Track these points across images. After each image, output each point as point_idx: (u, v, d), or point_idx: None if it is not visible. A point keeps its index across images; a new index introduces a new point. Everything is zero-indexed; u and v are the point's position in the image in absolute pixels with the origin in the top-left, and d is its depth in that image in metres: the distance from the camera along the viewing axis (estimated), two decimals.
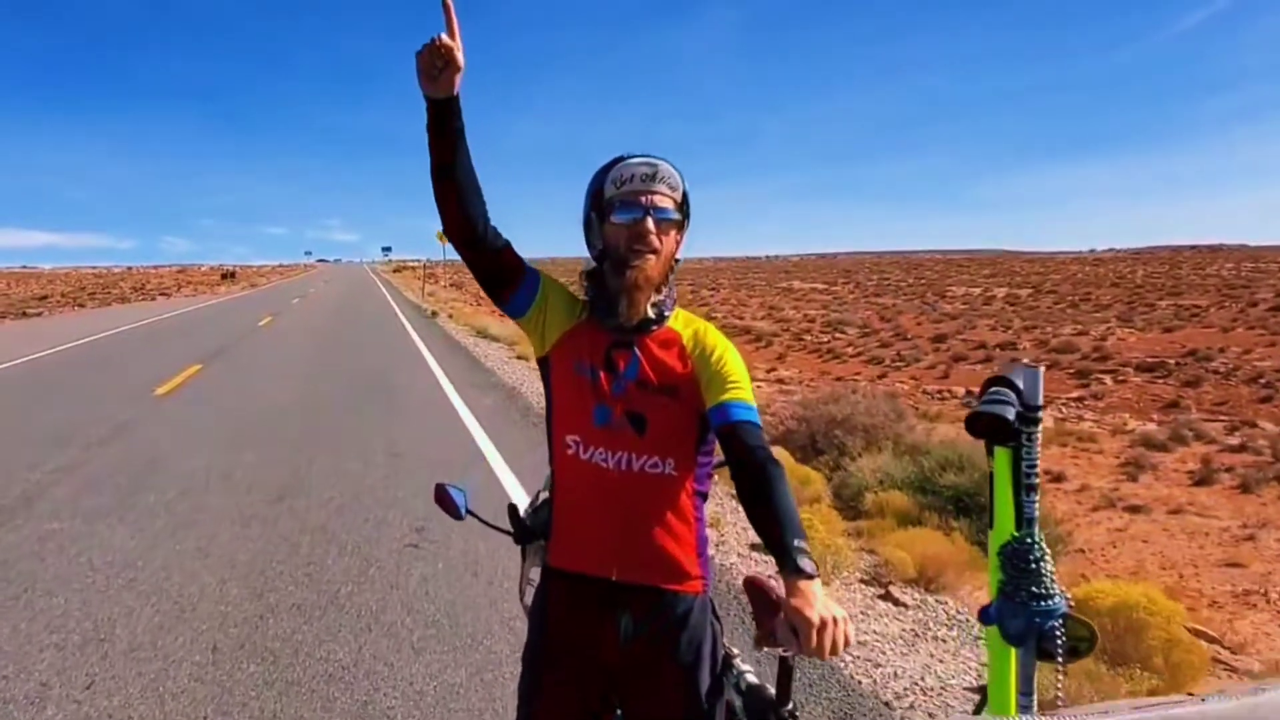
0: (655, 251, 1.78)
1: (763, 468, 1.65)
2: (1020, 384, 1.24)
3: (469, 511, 2.16)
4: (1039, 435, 1.26)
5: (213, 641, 3.97)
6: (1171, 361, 22.66)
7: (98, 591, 4.58)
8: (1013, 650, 1.26)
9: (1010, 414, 1.21)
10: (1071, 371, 22.39)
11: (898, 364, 25.75)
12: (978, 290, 56.08)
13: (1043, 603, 1.22)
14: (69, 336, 21.21)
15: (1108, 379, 21.11)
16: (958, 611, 4.80)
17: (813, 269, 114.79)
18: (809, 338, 33.02)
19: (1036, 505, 1.26)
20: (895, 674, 3.83)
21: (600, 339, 1.86)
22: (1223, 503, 11.05)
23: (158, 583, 4.70)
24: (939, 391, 20.22)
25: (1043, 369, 1.28)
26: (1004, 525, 1.28)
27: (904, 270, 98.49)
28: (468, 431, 8.83)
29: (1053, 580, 1.23)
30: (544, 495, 2.07)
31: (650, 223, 1.77)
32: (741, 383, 1.79)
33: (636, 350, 1.84)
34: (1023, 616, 1.22)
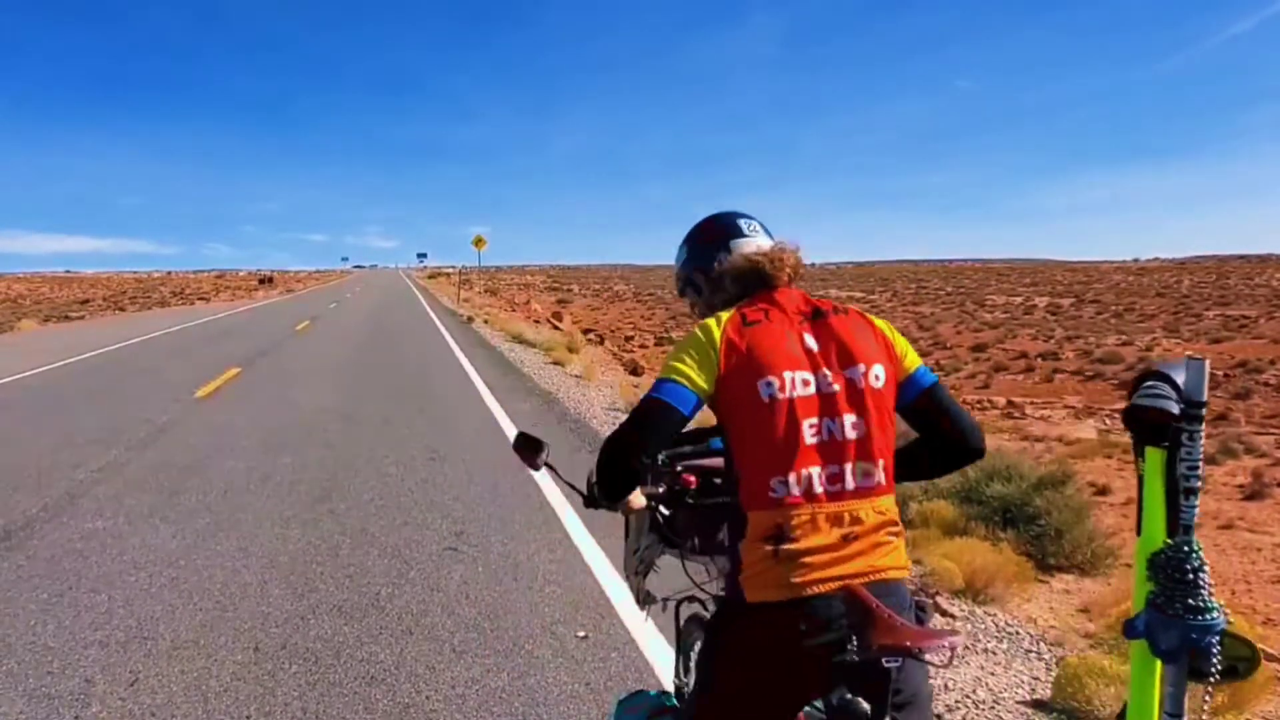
0: None
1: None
2: (1179, 379, 1.17)
3: (547, 465, 2.19)
4: (1202, 433, 1.18)
5: (255, 641, 3.95)
6: (1220, 373, 22.12)
7: (141, 589, 4.59)
8: (1158, 668, 1.18)
9: (1174, 408, 1.13)
10: (1116, 383, 21.95)
11: (936, 373, 25.47)
12: (1018, 299, 55.34)
13: (1201, 616, 1.12)
14: (113, 339, 21.54)
15: None
16: (1007, 623, 4.67)
17: (850, 277, 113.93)
18: None
19: (1196, 510, 1.18)
20: (946, 686, 3.71)
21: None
22: (1275, 518, 10.71)
23: (200, 581, 4.70)
24: (979, 401, 19.91)
25: (1208, 361, 1.20)
26: (1153, 531, 1.21)
27: (943, 279, 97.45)
28: (505, 437, 8.79)
29: (1211, 593, 1.14)
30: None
31: None
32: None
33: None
34: (1177, 630, 1.13)
